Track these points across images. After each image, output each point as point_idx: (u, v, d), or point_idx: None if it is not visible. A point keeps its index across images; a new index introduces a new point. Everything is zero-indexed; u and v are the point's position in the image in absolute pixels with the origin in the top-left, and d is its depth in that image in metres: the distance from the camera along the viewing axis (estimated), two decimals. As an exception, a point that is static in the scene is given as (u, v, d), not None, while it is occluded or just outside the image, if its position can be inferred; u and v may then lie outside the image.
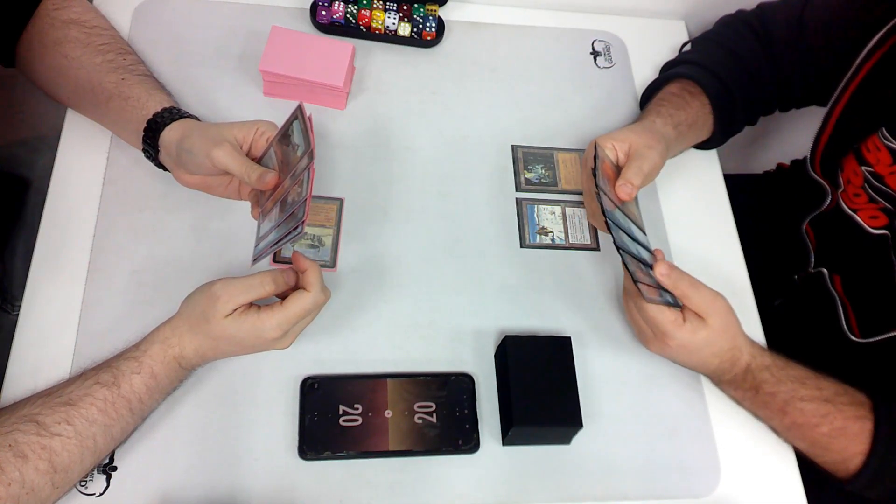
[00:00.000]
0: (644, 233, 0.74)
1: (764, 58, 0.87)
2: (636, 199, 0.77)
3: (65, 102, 0.80)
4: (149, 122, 0.72)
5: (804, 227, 0.90)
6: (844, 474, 0.70)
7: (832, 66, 0.83)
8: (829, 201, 0.86)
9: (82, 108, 0.80)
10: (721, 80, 0.85)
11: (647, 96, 0.90)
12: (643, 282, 0.68)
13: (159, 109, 0.72)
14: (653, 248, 0.73)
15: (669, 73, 0.90)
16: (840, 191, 0.83)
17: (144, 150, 0.74)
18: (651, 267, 0.70)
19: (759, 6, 0.91)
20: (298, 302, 0.65)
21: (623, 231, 0.69)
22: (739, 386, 0.73)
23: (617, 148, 0.76)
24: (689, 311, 0.70)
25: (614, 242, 0.66)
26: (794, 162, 1.01)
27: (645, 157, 0.74)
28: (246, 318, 0.64)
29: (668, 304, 0.70)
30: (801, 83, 0.87)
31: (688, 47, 0.96)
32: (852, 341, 0.81)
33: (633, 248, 0.70)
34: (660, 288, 0.70)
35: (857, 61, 0.79)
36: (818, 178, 0.87)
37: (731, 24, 0.91)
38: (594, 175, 0.69)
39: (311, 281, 0.66)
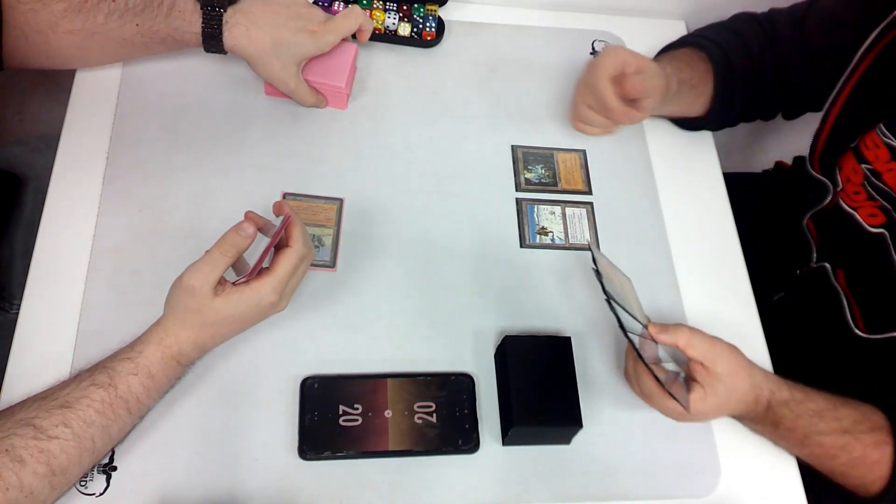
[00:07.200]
0: (640, 320, 0.71)
1: (769, 52, 0.88)
2: (634, 291, 0.74)
3: (96, 65, 0.82)
4: (202, 44, 0.76)
5: (805, 222, 0.90)
6: (865, 495, 0.70)
7: (832, 66, 0.83)
8: (829, 198, 0.86)
9: (121, 60, 0.83)
10: (728, 58, 0.87)
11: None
12: (649, 359, 0.66)
13: (196, 29, 0.75)
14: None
15: (680, 39, 0.93)
16: (839, 189, 0.83)
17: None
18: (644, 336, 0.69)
19: (771, 9, 0.93)
20: (286, 260, 0.66)
21: (624, 309, 0.67)
22: (760, 421, 0.72)
23: (632, 61, 0.79)
24: (698, 371, 0.68)
25: (619, 325, 0.64)
26: (796, 158, 1.01)
27: (654, 76, 0.79)
28: (239, 294, 0.64)
29: (672, 374, 0.68)
30: (801, 83, 0.88)
31: None
32: (858, 336, 0.81)
33: (631, 325, 0.67)
34: (659, 358, 0.70)
35: (856, 58, 0.80)
36: (818, 176, 0.87)
37: (743, 19, 0.93)
38: (599, 279, 0.66)
39: (294, 235, 0.67)
